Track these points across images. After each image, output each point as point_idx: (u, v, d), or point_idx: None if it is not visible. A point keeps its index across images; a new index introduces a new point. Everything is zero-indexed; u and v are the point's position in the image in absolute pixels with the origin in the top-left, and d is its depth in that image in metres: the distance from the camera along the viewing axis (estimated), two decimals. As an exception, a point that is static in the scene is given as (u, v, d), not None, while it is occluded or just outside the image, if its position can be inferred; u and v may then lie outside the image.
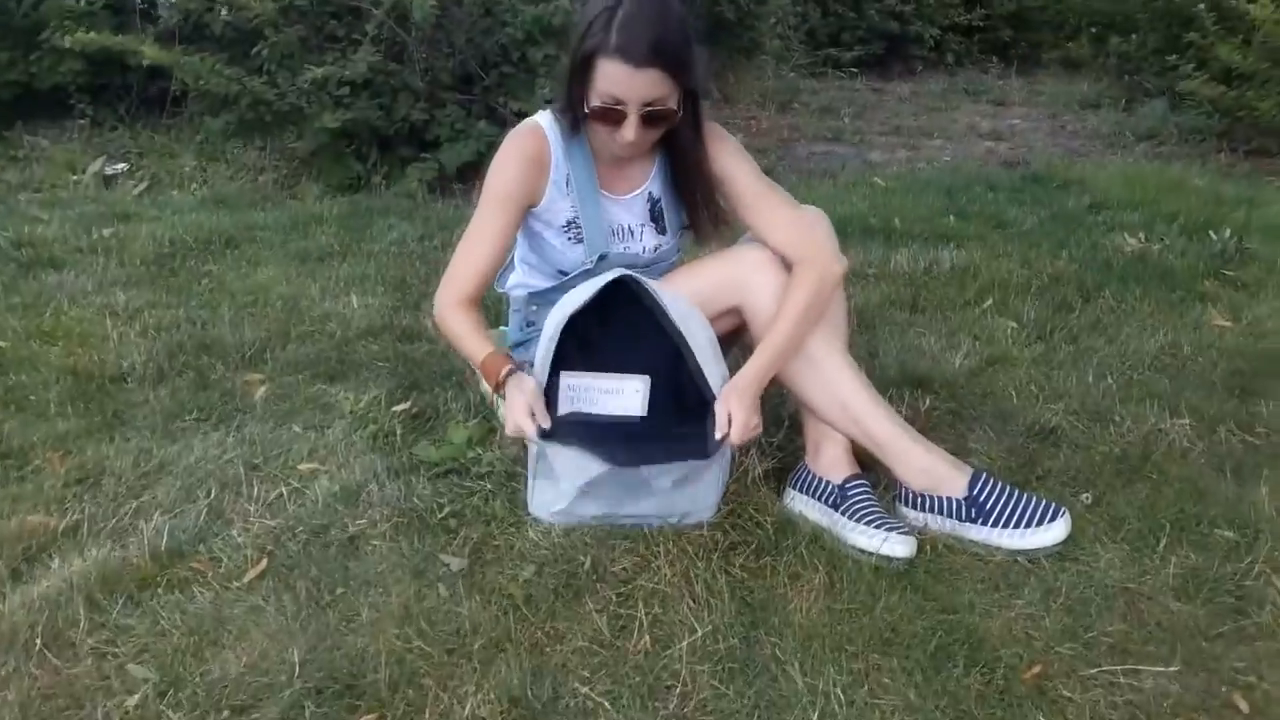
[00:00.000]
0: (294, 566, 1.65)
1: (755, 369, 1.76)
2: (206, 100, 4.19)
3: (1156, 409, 2.20)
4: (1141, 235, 3.27)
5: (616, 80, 1.67)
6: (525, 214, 1.90)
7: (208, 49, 4.23)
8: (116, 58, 4.61)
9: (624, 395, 1.81)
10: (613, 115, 1.71)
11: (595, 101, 1.70)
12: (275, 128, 4.15)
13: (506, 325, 2.12)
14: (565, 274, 1.93)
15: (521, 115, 4.54)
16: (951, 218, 3.52)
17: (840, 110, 5.89)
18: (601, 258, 1.88)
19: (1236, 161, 4.64)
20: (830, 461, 1.86)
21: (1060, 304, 2.79)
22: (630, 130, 1.72)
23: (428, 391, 2.23)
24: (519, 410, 1.70)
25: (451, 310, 1.85)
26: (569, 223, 1.88)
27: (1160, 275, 2.97)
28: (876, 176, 4.13)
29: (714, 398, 1.75)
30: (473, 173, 4.22)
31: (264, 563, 1.65)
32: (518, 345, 2.05)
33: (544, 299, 1.95)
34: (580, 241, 1.89)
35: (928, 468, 1.80)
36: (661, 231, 1.94)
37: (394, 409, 2.14)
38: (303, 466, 1.93)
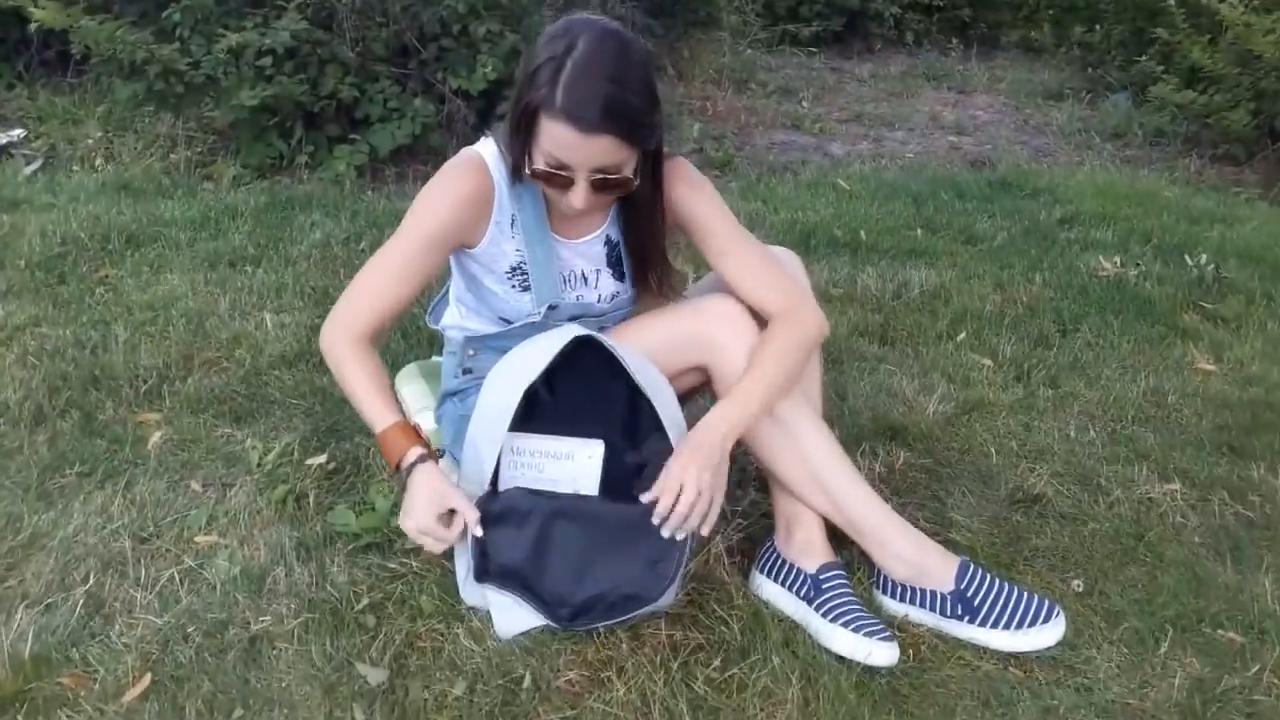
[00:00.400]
0: (184, 680, 1.42)
1: (722, 422, 1.54)
2: (112, 64, 3.82)
3: (1145, 472, 2.06)
4: (1117, 259, 3.13)
5: (562, 144, 1.44)
6: (453, 254, 1.67)
7: (114, 9, 3.85)
8: (10, 10, 4.21)
9: (575, 461, 1.60)
10: (558, 180, 1.48)
11: (539, 163, 1.48)
12: (188, 101, 3.80)
13: (441, 357, 1.89)
14: (509, 322, 1.71)
15: (461, 95, 4.35)
16: (919, 230, 3.34)
17: (799, 93, 5.67)
18: (551, 308, 1.67)
19: (1204, 168, 4.54)
20: (803, 545, 1.68)
21: (1038, 339, 2.64)
22: (578, 198, 1.49)
23: (347, 439, 1.99)
24: (423, 512, 1.46)
25: (347, 348, 1.57)
26: (514, 268, 1.66)
27: (1138, 306, 2.84)
28: (840, 178, 3.93)
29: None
30: (407, 156, 3.93)
31: (147, 678, 1.41)
32: (453, 395, 1.83)
33: (485, 345, 1.73)
34: (526, 290, 1.66)
35: (912, 558, 1.63)
36: (620, 277, 1.72)
37: (308, 462, 1.90)
38: (201, 539, 1.69)
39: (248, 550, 1.65)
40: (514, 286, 1.66)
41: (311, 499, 1.80)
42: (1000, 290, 2.94)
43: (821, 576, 1.64)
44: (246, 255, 2.83)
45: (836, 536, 1.68)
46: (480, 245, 1.63)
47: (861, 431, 2.14)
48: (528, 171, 1.51)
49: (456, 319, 1.77)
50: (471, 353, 1.77)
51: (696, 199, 1.65)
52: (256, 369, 2.24)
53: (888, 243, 3.24)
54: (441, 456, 1.75)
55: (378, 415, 1.55)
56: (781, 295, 1.63)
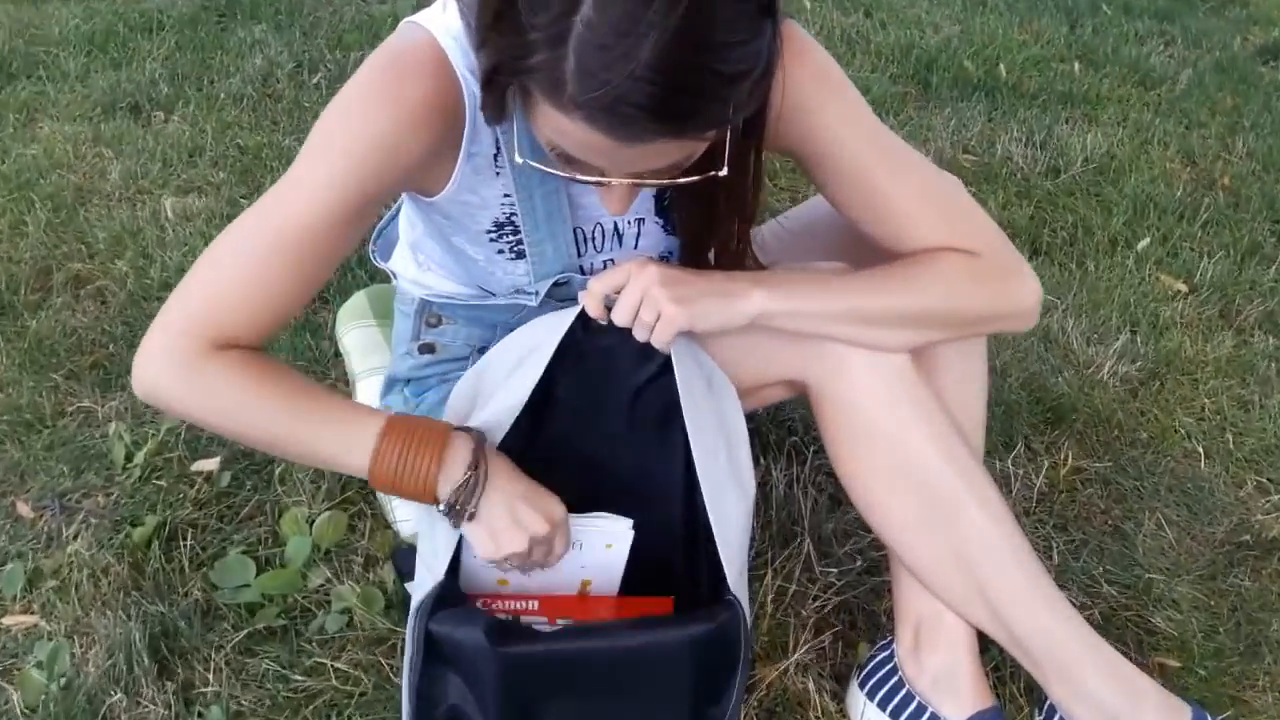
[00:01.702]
0: None
1: (753, 286, 0.93)
2: None
3: None
4: (1353, 115, 2.35)
5: (581, 146, 0.78)
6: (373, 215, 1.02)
7: None
8: None
9: (585, 554, 1.01)
10: (576, 168, 0.83)
11: (542, 139, 0.82)
12: None
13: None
14: (493, 293, 1.07)
15: None
16: (1075, 65, 2.53)
17: None
18: (558, 284, 1.03)
19: None
20: (943, 676, 1.09)
21: (1249, 248, 1.93)
22: (614, 200, 0.87)
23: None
24: (534, 522, 0.89)
25: (236, 359, 0.89)
26: (499, 225, 1.00)
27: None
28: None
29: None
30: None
31: None
32: (404, 382, 1.22)
33: (456, 314, 1.11)
34: (521, 257, 1.02)
35: (1116, 706, 1.05)
36: (674, 230, 1.06)
37: (195, 468, 1.32)
38: (10, 619, 1.14)
39: (78, 648, 1.11)
40: (500, 252, 1.01)
41: (190, 539, 1.23)
42: (1190, 164, 2.19)
43: (972, 735, 1.07)
44: (157, 96, 2.13)
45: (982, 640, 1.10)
46: (444, 193, 0.97)
47: (1010, 417, 1.51)
48: (514, 141, 0.87)
49: (411, 270, 1.13)
50: (433, 321, 1.14)
51: (821, 112, 0.96)
52: (143, 293, 1.62)
53: (1035, 82, 2.44)
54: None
55: (352, 422, 0.89)
56: (973, 244, 0.99)
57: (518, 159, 0.86)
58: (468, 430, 0.91)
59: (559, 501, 0.92)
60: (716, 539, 0.94)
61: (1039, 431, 1.51)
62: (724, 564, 0.95)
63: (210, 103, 2.11)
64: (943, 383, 1.07)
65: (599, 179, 0.83)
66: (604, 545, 0.98)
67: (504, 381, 0.93)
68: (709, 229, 0.99)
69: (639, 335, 0.91)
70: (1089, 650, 1.04)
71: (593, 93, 0.71)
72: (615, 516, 0.97)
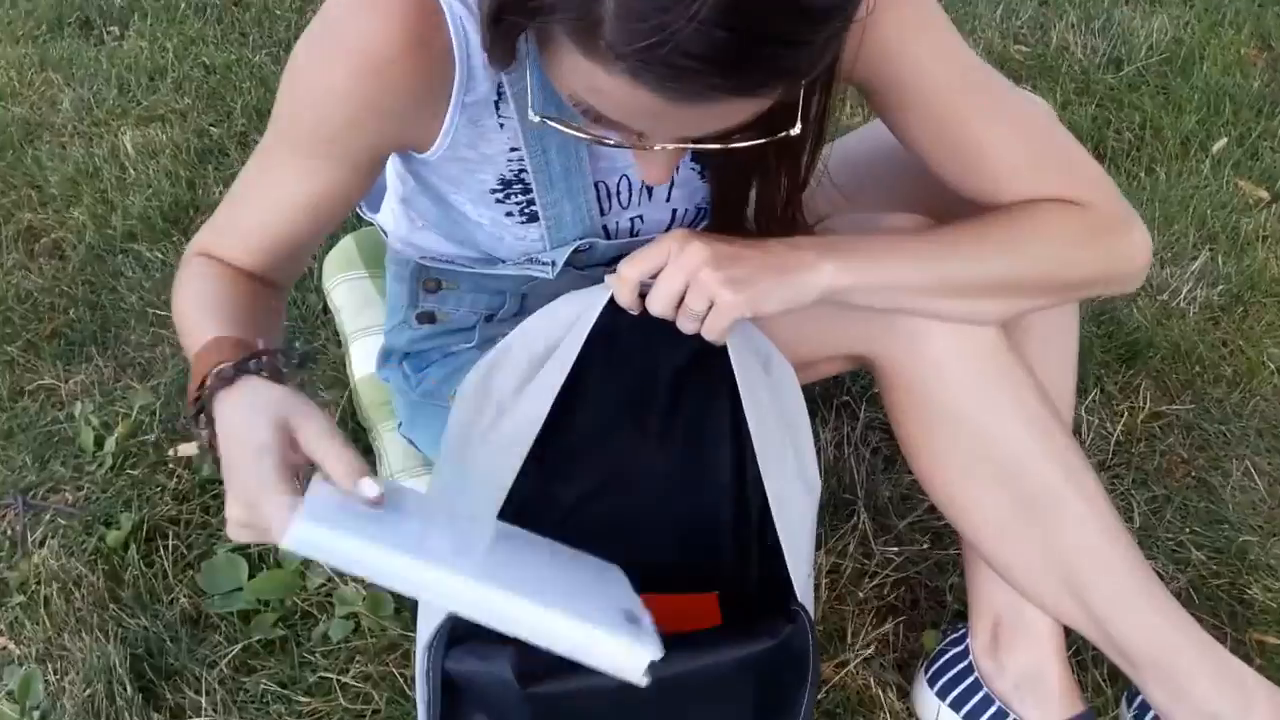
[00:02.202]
0: None
1: (826, 252, 0.77)
2: None
3: None
4: None
5: (623, 107, 0.62)
6: (383, 162, 0.86)
7: None
8: None
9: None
10: (608, 129, 0.67)
11: (564, 92, 0.66)
12: None
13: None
14: (501, 260, 0.92)
15: None
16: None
17: None
18: (578, 250, 0.87)
19: None
20: (1026, 677, 0.97)
21: (1337, 146, 1.75)
22: (655, 168, 0.71)
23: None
24: (251, 481, 0.63)
25: (203, 269, 0.83)
26: (506, 183, 0.84)
27: None
28: None
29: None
30: None
31: None
32: (401, 356, 1.07)
33: (459, 278, 0.96)
34: (535, 219, 0.86)
35: (1221, 711, 0.93)
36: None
37: (174, 453, 1.19)
38: (-26, 644, 1.04)
39: (52, 674, 0.99)
40: (510, 215, 0.85)
41: (171, 538, 1.10)
42: (1267, 49, 1.98)
43: (1061, 746, 0.96)
44: (109, 8, 1.91)
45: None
46: (435, 150, 0.81)
47: (1081, 358, 1.35)
48: (527, 91, 0.73)
49: (403, 228, 0.97)
50: (431, 286, 0.99)
51: (911, 43, 0.78)
52: (105, 245, 1.46)
53: (1086, -43, 2.22)
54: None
55: (196, 324, 0.76)
56: (1080, 192, 0.83)
57: (532, 116, 0.70)
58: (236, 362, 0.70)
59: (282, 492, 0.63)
60: (784, 550, 0.82)
61: (1112, 372, 1.37)
62: (790, 574, 0.83)
63: (170, 14, 1.90)
64: (1030, 347, 0.92)
65: (639, 143, 0.67)
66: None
67: (522, 387, 0.79)
68: (752, 190, 0.83)
69: (686, 327, 0.75)
70: (1195, 652, 0.92)
71: (641, 41, 0.54)
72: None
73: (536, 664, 0.81)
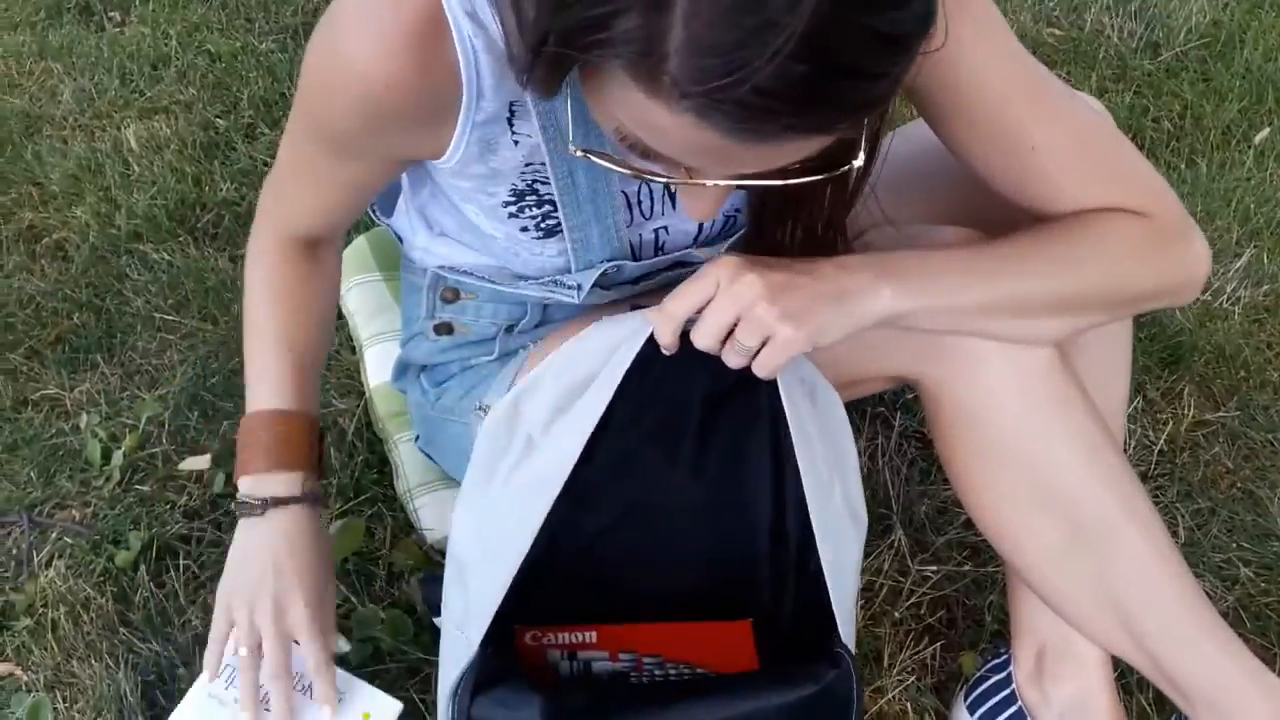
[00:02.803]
0: None
1: (885, 274, 0.74)
2: None
3: None
4: None
5: (677, 142, 0.57)
6: (406, 165, 0.83)
7: None
8: None
9: None
10: (658, 165, 0.63)
11: (607, 125, 0.62)
12: None
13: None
14: (524, 278, 0.88)
15: None
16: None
17: None
18: (605, 272, 0.83)
19: None
20: (1070, 708, 0.94)
21: (1387, 135, 1.69)
22: (702, 204, 0.67)
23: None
24: (258, 609, 0.84)
25: (271, 260, 0.90)
26: (519, 195, 0.80)
27: None
28: None
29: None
30: None
31: None
32: (419, 370, 1.04)
33: (479, 289, 0.92)
34: (553, 234, 0.82)
35: (1283, 745, 0.91)
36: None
37: (183, 467, 1.15)
38: (-18, 670, 1.01)
39: (61, 702, 0.96)
40: (525, 229, 0.82)
41: (182, 557, 1.07)
42: (1310, 31, 1.93)
43: (1111, 783, 0.93)
44: (112, -4, 1.87)
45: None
46: (444, 163, 0.77)
47: (1121, 359, 1.33)
48: (567, 121, 0.71)
49: (421, 236, 0.93)
50: (450, 297, 0.96)
51: (968, 51, 0.73)
52: (110, 246, 1.41)
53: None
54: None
55: (261, 384, 0.89)
56: (1140, 201, 0.79)
57: (573, 149, 0.65)
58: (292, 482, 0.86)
59: (314, 624, 0.83)
60: (829, 588, 0.78)
61: (1154, 377, 1.33)
62: (834, 610, 0.80)
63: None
64: (1083, 361, 0.88)
65: (687, 180, 0.63)
66: (361, 713, 0.88)
67: (553, 420, 0.75)
68: (793, 215, 0.79)
69: (733, 362, 0.71)
70: (1251, 684, 0.87)
71: (714, 81, 0.50)
72: (386, 696, 0.89)
73: (565, 713, 0.79)
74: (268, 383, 0.88)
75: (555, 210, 0.81)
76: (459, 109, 0.72)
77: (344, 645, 0.90)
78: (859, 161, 0.63)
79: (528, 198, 0.80)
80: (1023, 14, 1.88)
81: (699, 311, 0.71)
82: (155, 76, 1.71)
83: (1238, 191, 1.57)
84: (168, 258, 1.39)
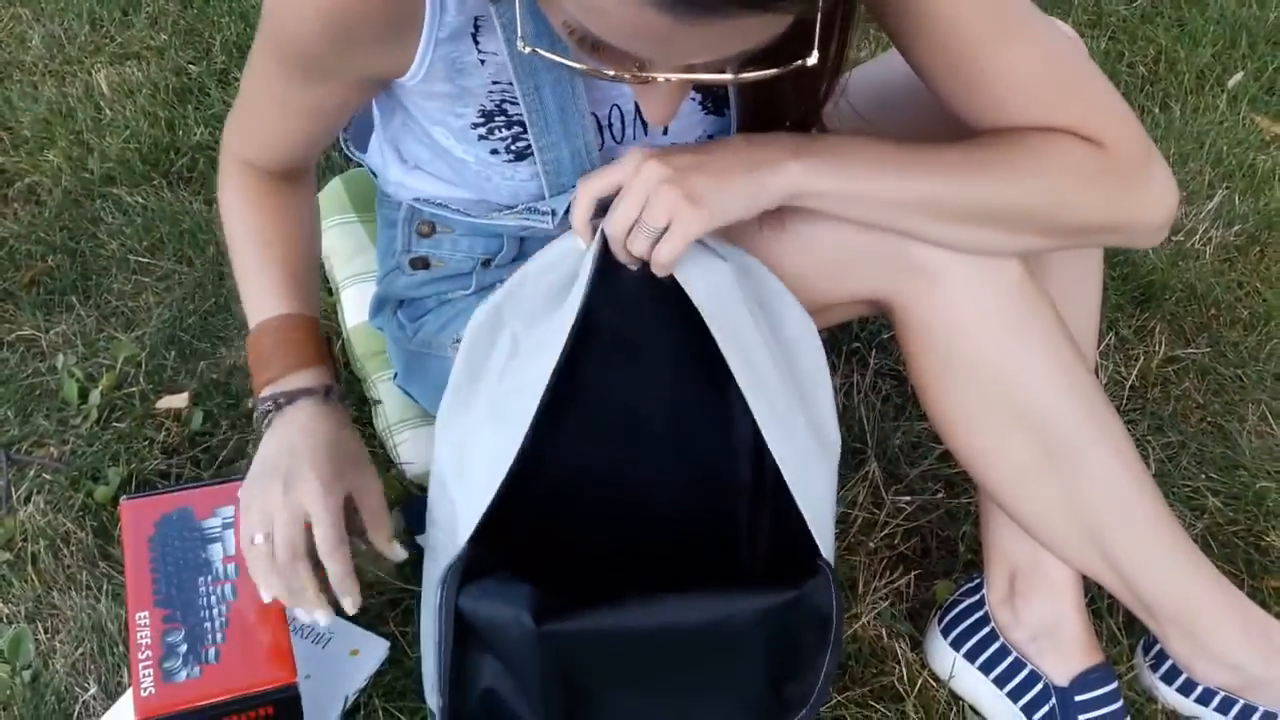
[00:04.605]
0: None
1: (796, 152, 0.74)
2: None
3: None
4: None
5: (622, 27, 0.56)
6: (376, 83, 0.82)
7: None
8: None
9: None
10: (608, 59, 0.61)
11: (555, 19, 0.61)
12: None
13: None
14: (503, 207, 0.88)
15: None
16: None
17: None
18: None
19: None
20: (1044, 628, 0.97)
21: (1357, 80, 1.71)
22: (657, 104, 0.66)
23: (232, 345, 1.21)
24: (281, 506, 0.79)
25: (238, 184, 0.90)
26: (487, 114, 0.80)
27: None
28: None
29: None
30: None
31: None
32: (397, 304, 1.04)
33: (454, 222, 0.92)
34: (523, 157, 0.82)
35: (1247, 662, 0.92)
36: (716, 106, 0.85)
37: (161, 405, 1.15)
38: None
39: (43, 633, 0.97)
40: (495, 152, 0.81)
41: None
42: (1284, -22, 1.94)
43: (1080, 698, 0.94)
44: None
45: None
46: (408, 80, 0.77)
47: (1094, 297, 1.34)
48: (517, 19, 0.70)
49: (394, 169, 0.93)
50: (425, 231, 0.96)
51: None
52: (83, 189, 1.40)
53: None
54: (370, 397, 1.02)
55: (256, 293, 0.89)
56: (1097, 129, 0.78)
57: (521, 47, 0.65)
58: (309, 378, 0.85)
59: (324, 499, 0.79)
60: (808, 522, 0.79)
61: (1127, 315, 1.34)
62: (817, 541, 0.80)
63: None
64: (1054, 286, 0.89)
65: (640, 75, 0.63)
66: (349, 650, 0.92)
67: (533, 326, 0.75)
68: (768, 119, 0.79)
69: (639, 248, 0.73)
70: (1221, 606, 0.90)
71: None
72: (374, 635, 0.95)
73: (554, 602, 0.79)
74: (265, 295, 0.88)
75: (525, 132, 0.81)
76: (423, 20, 0.72)
77: (401, 553, 0.85)
78: (813, 59, 0.62)
79: (497, 118, 0.80)
80: (1000, -40, 1.88)
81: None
82: (126, 22, 1.68)
83: (1210, 135, 1.58)
84: (142, 201, 1.38)
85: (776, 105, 0.80)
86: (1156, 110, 1.64)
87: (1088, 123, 0.78)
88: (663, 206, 0.71)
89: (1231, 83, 1.69)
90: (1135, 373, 1.28)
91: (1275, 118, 1.63)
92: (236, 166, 0.90)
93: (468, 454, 0.78)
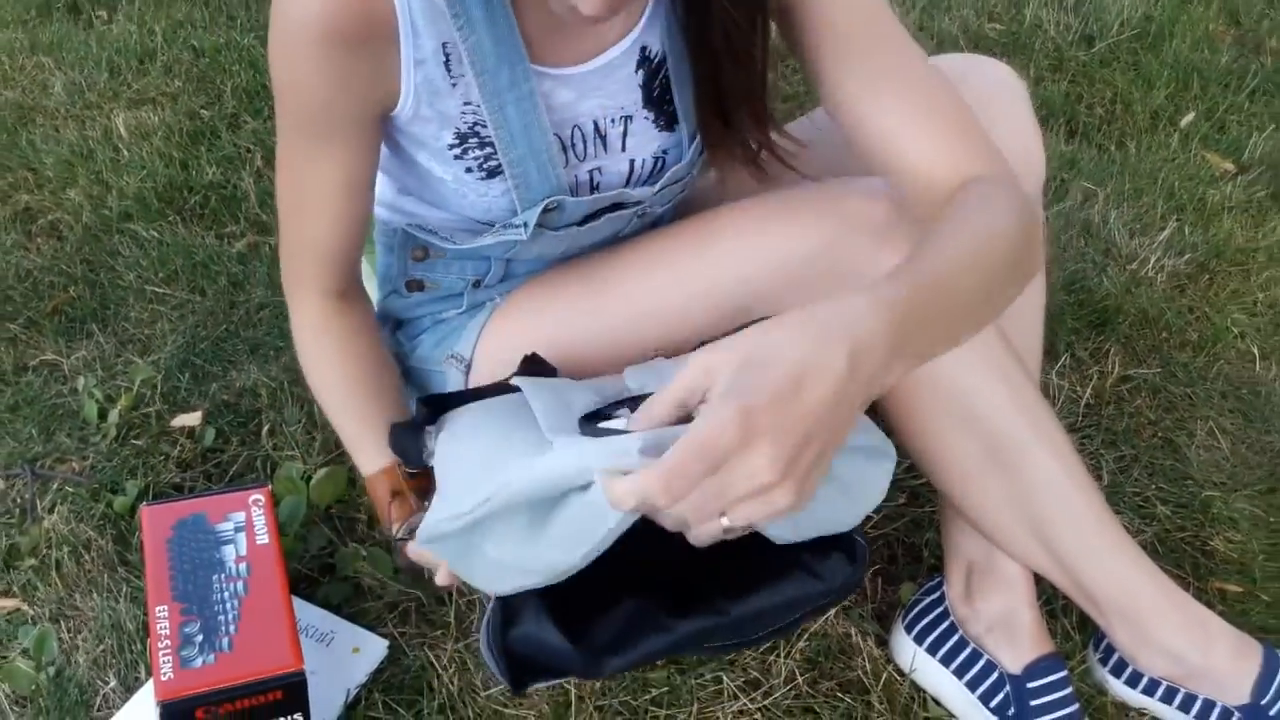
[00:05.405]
0: None
1: (875, 308, 0.62)
2: None
3: None
4: None
5: None
6: (382, 124, 0.91)
7: None
8: None
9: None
10: None
11: None
12: None
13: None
14: (485, 225, 0.96)
15: None
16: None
17: None
18: (548, 210, 0.91)
19: None
20: (999, 621, 1.03)
21: (1302, 118, 1.81)
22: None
23: (239, 368, 1.28)
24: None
25: (313, 321, 0.98)
26: (461, 137, 0.88)
27: None
28: None
29: None
30: None
31: None
32: (397, 323, 1.12)
33: (446, 247, 0.99)
34: (495, 175, 0.90)
35: (1185, 652, 0.99)
36: (668, 124, 0.94)
37: (175, 424, 1.22)
38: (-9, 603, 1.08)
39: (66, 632, 1.04)
40: (469, 170, 0.90)
41: (178, 505, 1.15)
42: (1235, 25, 2.04)
43: (1031, 685, 1.01)
44: (99, -10, 1.95)
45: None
46: (401, 107, 0.86)
47: (1053, 324, 1.42)
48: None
49: (388, 194, 1.01)
50: (419, 255, 1.04)
51: None
52: (102, 225, 1.49)
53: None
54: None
55: (357, 435, 0.98)
56: (973, 159, 0.84)
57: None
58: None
59: None
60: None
61: (1083, 338, 1.42)
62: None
63: (156, -6, 1.94)
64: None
65: None
66: (351, 648, 1.00)
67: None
68: (729, 67, 0.86)
69: (696, 537, 0.62)
70: (1159, 597, 0.97)
71: None
72: (374, 635, 1.03)
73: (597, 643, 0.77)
74: (375, 449, 0.96)
75: (495, 153, 0.89)
76: (399, 44, 0.80)
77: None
78: None
79: (470, 140, 0.88)
80: (965, 9, 1.99)
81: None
82: (142, 70, 1.78)
83: (1163, 171, 1.68)
84: (157, 235, 1.46)
85: (729, 123, 0.89)
86: (1113, 148, 1.73)
87: (984, 161, 0.84)
88: (763, 514, 0.58)
89: (1184, 122, 1.79)
90: (1090, 391, 1.35)
91: (1224, 155, 1.73)
92: (305, 300, 0.97)
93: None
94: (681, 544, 0.66)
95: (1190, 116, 1.80)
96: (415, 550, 0.87)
